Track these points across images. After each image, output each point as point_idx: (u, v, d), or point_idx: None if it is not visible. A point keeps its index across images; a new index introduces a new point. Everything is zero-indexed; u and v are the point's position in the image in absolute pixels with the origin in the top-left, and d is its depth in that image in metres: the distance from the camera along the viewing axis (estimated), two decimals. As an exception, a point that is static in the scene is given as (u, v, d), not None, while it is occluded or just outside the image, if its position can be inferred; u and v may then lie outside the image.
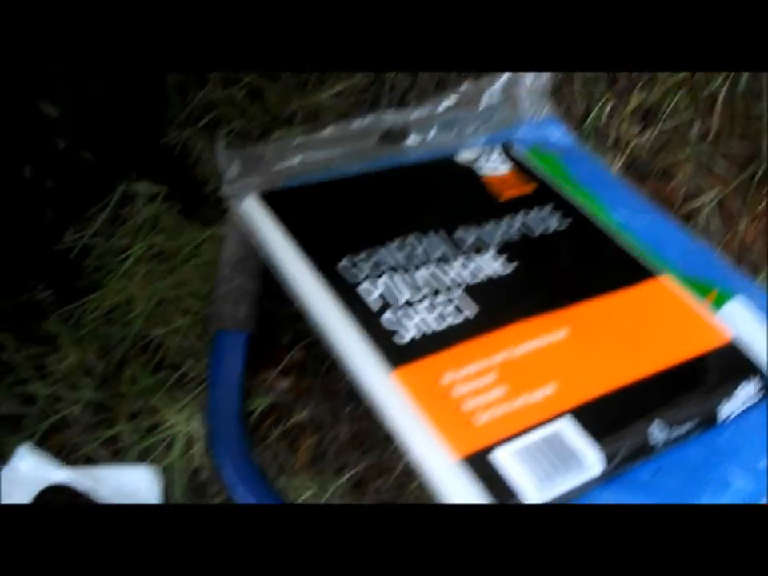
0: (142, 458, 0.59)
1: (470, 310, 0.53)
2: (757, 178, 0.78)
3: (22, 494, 0.55)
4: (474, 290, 0.54)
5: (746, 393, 0.51)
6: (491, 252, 0.58)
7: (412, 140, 0.70)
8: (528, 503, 0.44)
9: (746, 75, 0.80)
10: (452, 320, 0.52)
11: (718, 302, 0.59)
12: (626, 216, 0.66)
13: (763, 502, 0.48)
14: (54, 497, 0.55)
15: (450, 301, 0.53)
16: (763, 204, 0.77)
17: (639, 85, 0.80)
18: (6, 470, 0.56)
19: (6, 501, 0.55)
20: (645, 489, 0.47)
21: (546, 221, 0.62)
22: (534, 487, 0.44)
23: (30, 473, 0.56)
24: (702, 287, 0.60)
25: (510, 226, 0.61)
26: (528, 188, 0.65)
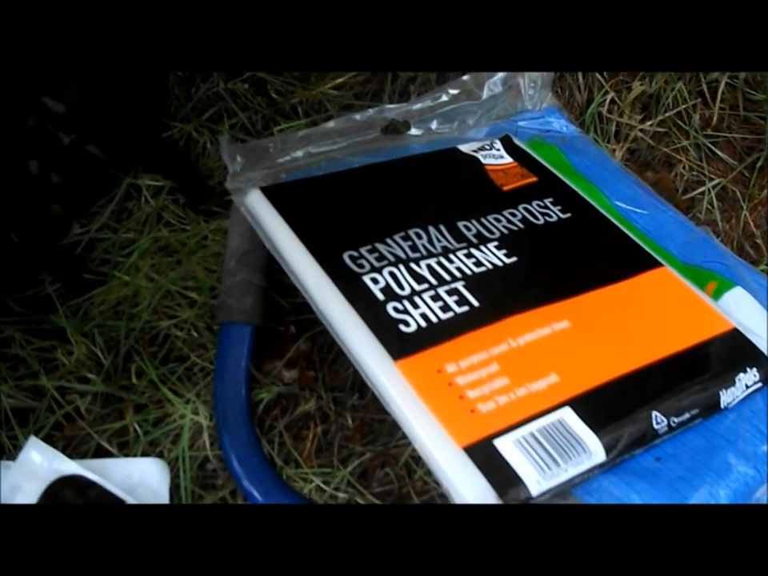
0: (150, 449, 0.60)
1: (474, 301, 0.53)
2: (758, 166, 0.78)
3: (32, 486, 0.56)
4: (477, 281, 0.55)
5: (748, 380, 0.52)
6: (494, 242, 0.58)
7: (414, 131, 0.71)
8: (528, 503, 0.44)
9: (747, 63, 0.80)
10: (456, 310, 0.52)
11: (719, 291, 0.59)
12: (627, 206, 0.66)
13: (764, 487, 0.48)
14: (64, 488, 0.56)
15: (454, 291, 0.54)
16: (765, 192, 0.77)
17: (640, 74, 0.80)
18: (17, 462, 0.57)
19: (17, 493, 0.56)
20: (647, 475, 0.47)
21: (548, 211, 0.62)
22: (536, 475, 0.44)
23: (41, 465, 0.56)
24: (702, 276, 0.61)
25: (513, 217, 0.61)
26: (530, 179, 0.65)
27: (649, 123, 0.79)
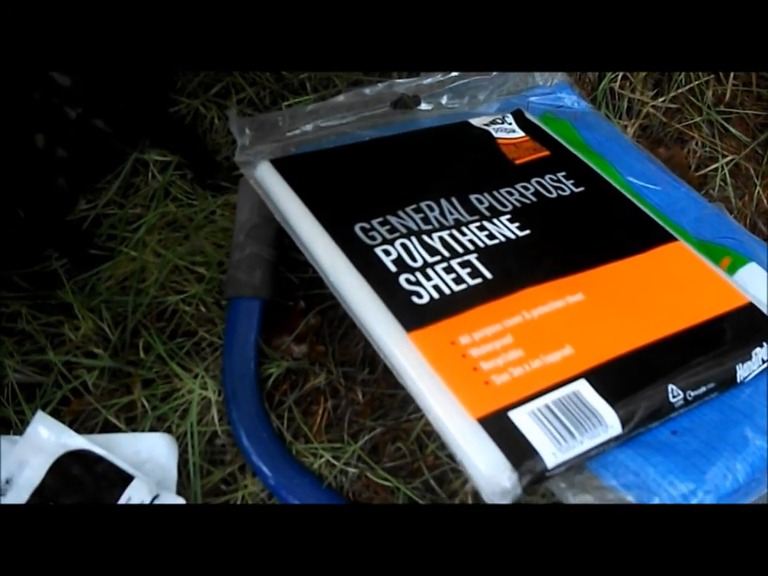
0: (158, 424, 0.60)
1: (487, 273, 0.53)
2: (771, 142, 0.78)
3: (39, 461, 0.55)
4: (490, 254, 0.54)
5: (764, 354, 0.51)
6: (507, 215, 0.58)
7: (425, 106, 0.70)
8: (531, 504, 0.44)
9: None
10: (469, 282, 0.52)
11: (733, 268, 0.59)
12: (640, 181, 0.66)
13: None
14: (72, 463, 0.55)
15: (467, 263, 0.53)
16: (778, 169, 0.76)
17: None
18: (24, 436, 0.56)
19: (24, 467, 0.55)
20: (664, 449, 0.47)
21: (561, 185, 0.61)
22: (552, 447, 0.44)
23: (48, 439, 0.56)
24: (716, 252, 0.60)
25: (526, 190, 0.60)
26: (543, 153, 0.65)
27: (661, 99, 0.79)
